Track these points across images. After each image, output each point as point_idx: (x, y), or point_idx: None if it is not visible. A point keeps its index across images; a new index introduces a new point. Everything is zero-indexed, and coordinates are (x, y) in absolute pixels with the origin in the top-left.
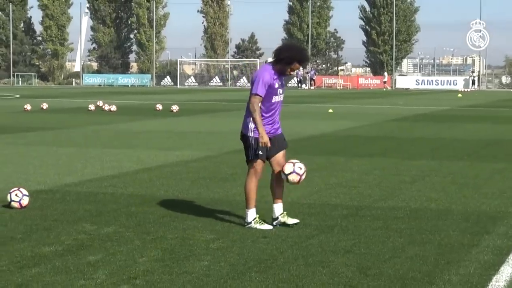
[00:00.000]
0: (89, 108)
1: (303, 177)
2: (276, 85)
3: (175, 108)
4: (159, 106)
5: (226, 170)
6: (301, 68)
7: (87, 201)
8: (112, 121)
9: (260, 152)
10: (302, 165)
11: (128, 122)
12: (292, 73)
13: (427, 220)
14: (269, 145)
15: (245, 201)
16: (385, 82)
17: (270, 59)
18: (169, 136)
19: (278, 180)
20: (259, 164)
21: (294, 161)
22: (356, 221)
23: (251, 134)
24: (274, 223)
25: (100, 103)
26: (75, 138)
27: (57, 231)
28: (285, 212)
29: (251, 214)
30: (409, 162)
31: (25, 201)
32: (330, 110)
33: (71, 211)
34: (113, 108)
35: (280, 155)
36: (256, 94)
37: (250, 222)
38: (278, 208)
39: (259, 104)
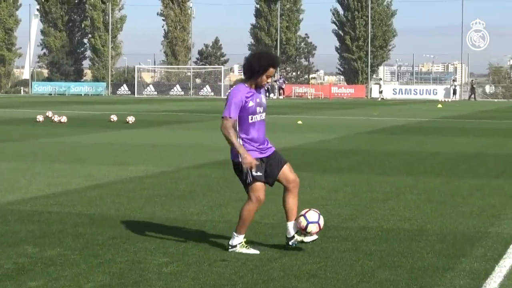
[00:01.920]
0: (37, 119)
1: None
2: (251, 104)
3: (131, 119)
4: (114, 117)
5: (184, 187)
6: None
7: (31, 221)
8: (61, 133)
9: (258, 173)
10: (323, 220)
11: (79, 135)
12: (269, 80)
13: (399, 242)
14: (253, 166)
15: (237, 225)
16: (381, 92)
17: (236, 66)
18: (123, 149)
19: (292, 197)
20: (259, 188)
21: (319, 212)
22: (323, 243)
23: (240, 159)
24: (290, 243)
25: (49, 113)
26: (20, 152)
27: None
28: None
29: (239, 239)
30: (382, 178)
31: None
32: (299, 122)
33: (12, 232)
34: (64, 119)
35: (286, 170)
36: (226, 117)
37: (236, 246)
38: (293, 226)
39: (234, 126)
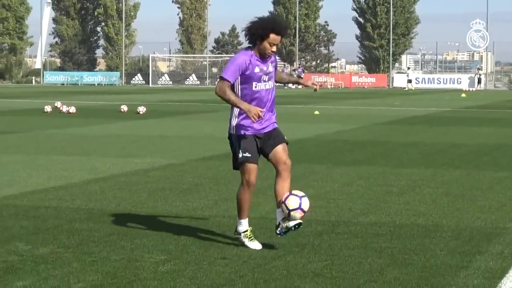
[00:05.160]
0: (45, 110)
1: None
2: (257, 70)
3: (141, 109)
4: (124, 108)
5: (190, 180)
6: (287, 65)
7: (26, 216)
8: (69, 124)
9: (247, 154)
10: (307, 202)
11: (86, 126)
12: (273, 49)
13: (412, 238)
14: (261, 115)
15: (237, 211)
16: (409, 81)
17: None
18: (130, 141)
19: (281, 182)
20: (249, 170)
21: (300, 194)
22: (331, 239)
23: (232, 131)
24: (277, 231)
25: (58, 104)
26: (24, 143)
27: None
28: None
29: (244, 225)
30: (399, 171)
31: None
32: (316, 112)
33: (5, 228)
34: (72, 109)
35: (279, 149)
36: (223, 78)
37: (240, 234)
38: (280, 213)
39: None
